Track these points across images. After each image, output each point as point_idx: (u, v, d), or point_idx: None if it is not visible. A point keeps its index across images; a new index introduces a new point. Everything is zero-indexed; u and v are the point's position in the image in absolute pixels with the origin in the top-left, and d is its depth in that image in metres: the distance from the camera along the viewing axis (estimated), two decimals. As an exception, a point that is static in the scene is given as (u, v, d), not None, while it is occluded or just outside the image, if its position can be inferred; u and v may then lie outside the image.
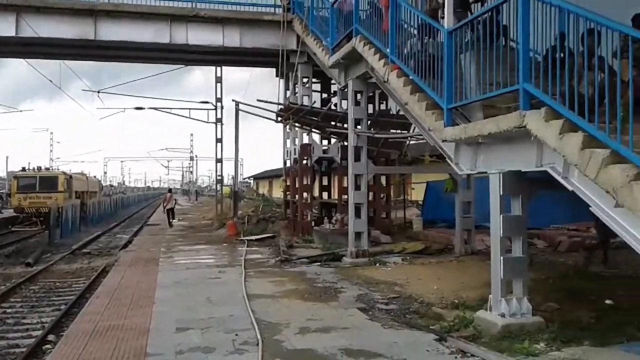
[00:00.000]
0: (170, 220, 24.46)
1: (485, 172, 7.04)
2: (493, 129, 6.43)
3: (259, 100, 18.75)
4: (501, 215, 6.59)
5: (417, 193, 24.16)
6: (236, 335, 6.41)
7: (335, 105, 18.36)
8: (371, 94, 15.60)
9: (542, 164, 5.94)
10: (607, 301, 7.56)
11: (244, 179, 50.69)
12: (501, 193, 6.60)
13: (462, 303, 7.73)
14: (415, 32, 9.16)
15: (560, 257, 12.01)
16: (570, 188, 5.49)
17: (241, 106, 21.42)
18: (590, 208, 5.21)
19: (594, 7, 5.33)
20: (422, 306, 7.88)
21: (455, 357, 5.58)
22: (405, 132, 15.86)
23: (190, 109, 29.26)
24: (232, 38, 18.40)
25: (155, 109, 29.51)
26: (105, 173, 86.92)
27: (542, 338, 5.97)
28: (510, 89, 6.22)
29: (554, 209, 13.80)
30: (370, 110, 16.30)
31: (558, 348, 5.67)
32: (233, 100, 21.87)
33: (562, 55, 5.68)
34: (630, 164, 4.60)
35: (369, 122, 14.25)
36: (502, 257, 6.56)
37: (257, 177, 59.76)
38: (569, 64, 5.43)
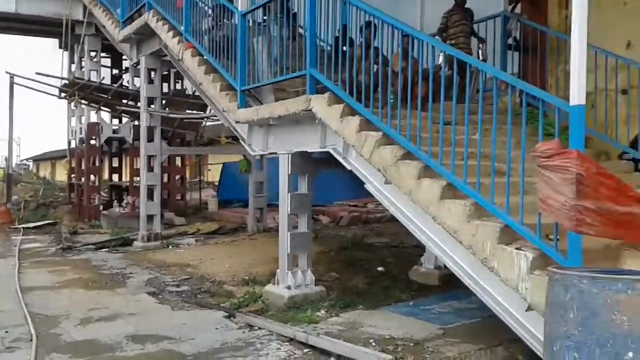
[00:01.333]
0: None
1: (276, 153, 7.22)
2: (283, 112, 6.58)
3: (38, 74, 16.80)
4: (289, 194, 6.81)
5: (213, 174, 24.02)
6: (6, 332, 5.63)
7: (128, 82, 17.25)
8: (166, 72, 14.97)
9: (325, 145, 6.25)
10: (379, 268, 8.34)
11: (22, 160, 45.19)
12: (289, 172, 6.82)
13: (253, 279, 7.87)
14: (211, 11, 8.97)
15: (342, 231, 12.92)
16: (349, 167, 5.86)
17: (18, 79, 18.95)
18: (365, 185, 5.64)
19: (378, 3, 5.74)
20: (213, 285, 7.83)
21: (243, 332, 5.63)
22: (202, 112, 15.60)
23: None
24: (6, 3, 16.12)
25: None
26: None
27: (323, 306, 6.35)
28: (298, 74, 6.43)
29: (338, 186, 14.78)
30: (165, 89, 15.69)
31: (337, 314, 6.08)
32: (7, 73, 19.19)
33: (344, 45, 6.03)
34: (398, 146, 5.07)
35: (163, 101, 13.67)
36: (289, 233, 6.80)
37: (38, 159, 53.67)
38: (349, 54, 5.77)
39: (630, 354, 2.81)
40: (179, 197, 17.69)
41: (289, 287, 6.69)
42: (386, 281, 7.67)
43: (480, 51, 7.42)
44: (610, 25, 6.64)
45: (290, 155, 6.81)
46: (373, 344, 5.03)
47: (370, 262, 8.84)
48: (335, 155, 6.07)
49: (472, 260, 4.34)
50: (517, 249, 3.96)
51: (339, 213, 14.70)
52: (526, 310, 3.91)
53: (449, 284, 6.76)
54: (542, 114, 3.88)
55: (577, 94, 3.45)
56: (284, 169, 6.87)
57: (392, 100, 5.41)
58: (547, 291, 3.12)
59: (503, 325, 4.26)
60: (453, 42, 7.19)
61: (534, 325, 3.85)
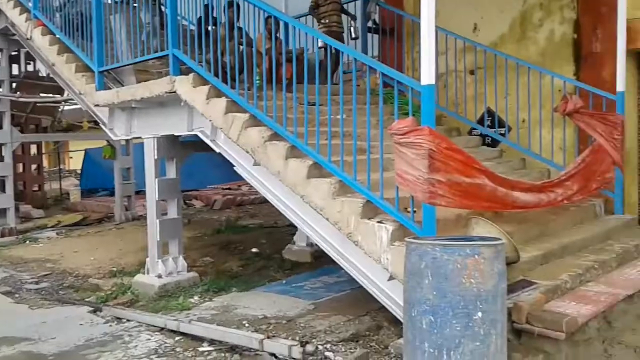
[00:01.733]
0: None
1: (141, 137, 6.87)
2: (145, 94, 6.26)
3: None
4: (156, 179, 6.53)
5: (75, 162, 22.41)
6: None
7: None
8: (15, 52, 13.59)
9: (192, 128, 6.05)
10: (253, 250, 8.33)
11: None
12: (156, 157, 6.52)
13: (121, 270, 7.48)
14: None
15: (215, 215, 12.71)
16: (217, 150, 5.74)
17: None
18: (235, 168, 5.57)
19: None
20: (77, 280, 7.32)
21: (110, 325, 5.34)
22: (58, 96, 14.41)
23: None
24: None
25: None
26: None
27: (196, 292, 6.21)
28: (160, 54, 6.14)
29: (211, 170, 14.49)
30: (15, 71, 14.26)
31: (210, 298, 5.98)
32: None
33: (208, 25, 5.85)
34: (265, 127, 5.05)
35: (13, 84, 12.45)
36: (158, 220, 6.54)
37: None
38: (212, 34, 5.61)
39: (479, 314, 3.07)
40: (36, 188, 16.25)
41: (159, 276, 6.44)
42: (260, 262, 7.68)
43: (352, 29, 7.50)
44: (458, 10, 7.12)
45: (156, 139, 6.51)
46: (246, 325, 5.02)
47: (245, 244, 8.80)
48: (204, 138, 5.91)
49: (339, 236, 4.47)
50: (378, 222, 4.14)
51: (212, 197, 14.44)
52: (388, 280, 4.12)
53: (321, 260, 6.94)
54: (397, 93, 4.06)
55: (427, 75, 3.65)
56: (150, 154, 6.56)
57: (258, 82, 5.37)
58: (404, 260, 3.30)
59: (370, 295, 4.46)
60: (327, 20, 7.18)
61: (396, 294, 4.06)
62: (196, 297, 6.03)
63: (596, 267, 4.38)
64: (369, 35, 7.85)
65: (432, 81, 3.66)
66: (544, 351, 3.39)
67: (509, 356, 3.27)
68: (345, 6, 7.65)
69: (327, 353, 4.29)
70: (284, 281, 6.57)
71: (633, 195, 6.23)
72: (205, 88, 5.54)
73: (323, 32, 6.93)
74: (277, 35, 5.34)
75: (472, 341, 3.04)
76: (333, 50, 5.62)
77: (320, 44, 6.16)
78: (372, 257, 4.16)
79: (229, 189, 15.52)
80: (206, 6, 5.98)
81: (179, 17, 6.19)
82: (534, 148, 6.26)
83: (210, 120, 5.56)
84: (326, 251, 4.76)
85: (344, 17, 7.47)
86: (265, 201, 5.90)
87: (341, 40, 7.07)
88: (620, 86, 5.63)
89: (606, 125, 5.41)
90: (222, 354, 4.52)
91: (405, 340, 3.30)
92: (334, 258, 4.69)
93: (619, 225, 5.46)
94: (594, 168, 5.32)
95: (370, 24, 7.70)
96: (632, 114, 6.16)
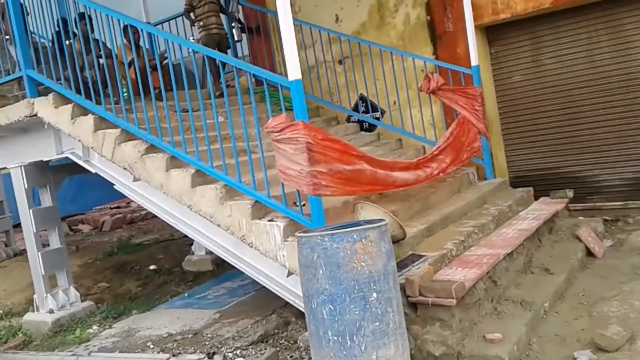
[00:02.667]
0: None
1: (6, 167, 6.28)
2: (3, 121, 5.73)
3: None
4: (31, 210, 6.01)
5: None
6: None
7: None
8: None
9: (62, 151, 5.64)
10: (151, 267, 7.96)
11: None
12: (26, 187, 6.00)
13: (8, 311, 6.83)
14: None
15: (106, 237, 12.00)
16: (93, 170, 5.39)
17: None
18: (115, 186, 5.26)
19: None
20: (-44, 330, 6.59)
21: (3, 372, 4.88)
22: None
23: None
24: None
25: None
26: None
27: (94, 321, 5.82)
28: (13, 77, 5.65)
29: (94, 191, 13.62)
30: None
31: (110, 325, 5.63)
32: None
33: (64, 40, 5.45)
34: (140, 140, 4.80)
35: None
36: (39, 253, 6.03)
37: None
38: (67, 48, 5.24)
39: (375, 295, 3.12)
40: None
41: (51, 311, 5.96)
42: (160, 278, 7.36)
43: (234, 30, 7.21)
44: (320, 3, 7.22)
45: (23, 167, 5.98)
46: (151, 346, 4.78)
47: (141, 262, 8.37)
48: (76, 160, 5.52)
49: (233, 240, 4.37)
50: (269, 221, 4.09)
51: (100, 218, 13.59)
52: (288, 276, 4.10)
53: (224, 266, 6.76)
54: (268, 91, 4.02)
55: (293, 70, 3.63)
56: (19, 183, 6.01)
57: (126, 94, 5.09)
58: (297, 255, 3.29)
59: (273, 294, 4.41)
60: (204, 22, 6.73)
61: (298, 288, 4.03)
62: (95, 327, 5.65)
63: (476, 232, 4.64)
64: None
65: (299, 76, 3.64)
66: (440, 319, 3.53)
67: (408, 329, 3.37)
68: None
69: (237, 359, 4.20)
70: (186, 294, 6.34)
71: (501, 159, 6.70)
72: (69, 107, 5.16)
73: (202, 36, 6.67)
74: (139, 43, 5.09)
75: (371, 322, 3.10)
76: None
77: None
78: (268, 255, 4.11)
79: (118, 207, 14.71)
80: (61, 20, 5.56)
81: (34, 35, 5.72)
82: (407, 128, 6.52)
83: (79, 141, 5.19)
84: (224, 257, 4.64)
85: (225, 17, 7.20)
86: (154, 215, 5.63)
87: (225, 42, 6.86)
88: (474, 61, 6.00)
89: (467, 98, 5.75)
90: (128, 382, 4.27)
91: (309, 332, 3.29)
92: (232, 263, 4.59)
93: (492, 189, 5.84)
94: (462, 139, 5.64)
95: (234, 24, 7.52)
96: (489, 85, 6.60)
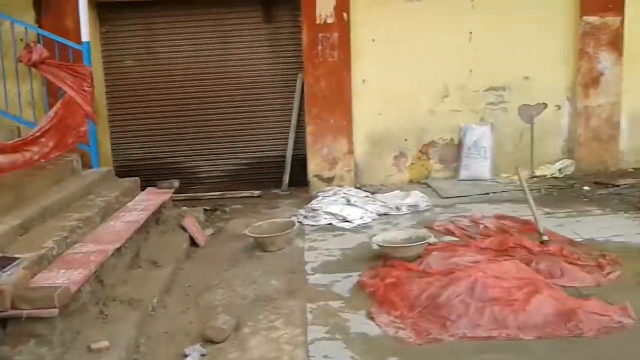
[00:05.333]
0: None
1: None
2: None
3: None
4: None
5: None
6: None
7: None
8: None
9: None
10: None
11: None
12: None
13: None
14: None
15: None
16: None
17: None
18: None
19: None
20: None
21: None
22: None
23: None
24: None
25: None
26: None
27: None
28: None
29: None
30: None
31: None
32: None
33: None
34: None
35: None
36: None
37: None
38: None
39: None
40: None
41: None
42: None
43: None
44: None
45: None
46: None
47: None
48: None
49: None
50: None
51: None
52: None
53: None
54: None
55: None
56: None
57: None
58: None
59: None
60: None
61: None
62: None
63: (81, 226, 4.15)
64: None
65: None
66: (37, 334, 2.96)
67: (-4, 352, 2.71)
68: None
69: None
70: None
71: (106, 146, 6.30)
72: None
73: None
74: None
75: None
76: None
77: None
78: None
79: None
80: None
81: None
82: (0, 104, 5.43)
83: None
84: None
85: None
86: None
87: None
88: (85, 36, 5.39)
89: (75, 76, 5.13)
90: None
91: None
92: None
93: (98, 179, 5.37)
94: (68, 122, 5.00)
95: None
96: (97, 65, 6.10)
